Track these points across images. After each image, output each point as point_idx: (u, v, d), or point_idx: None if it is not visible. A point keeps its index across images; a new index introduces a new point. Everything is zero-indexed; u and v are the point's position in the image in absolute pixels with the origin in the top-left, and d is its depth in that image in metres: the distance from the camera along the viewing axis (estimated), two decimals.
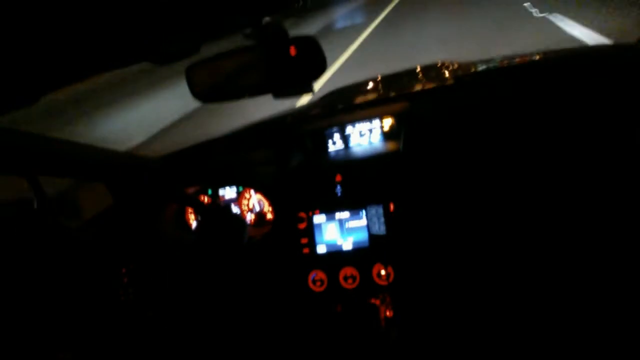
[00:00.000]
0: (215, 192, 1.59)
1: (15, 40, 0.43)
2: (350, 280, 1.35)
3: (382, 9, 14.52)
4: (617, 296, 1.20)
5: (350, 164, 1.43)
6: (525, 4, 8.56)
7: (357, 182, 1.39)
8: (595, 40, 5.25)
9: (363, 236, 1.36)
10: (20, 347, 1.14)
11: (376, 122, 1.48)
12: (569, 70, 1.41)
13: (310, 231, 1.40)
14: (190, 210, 1.62)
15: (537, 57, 1.59)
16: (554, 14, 7.19)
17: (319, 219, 1.40)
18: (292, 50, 0.83)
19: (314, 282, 1.38)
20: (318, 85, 0.92)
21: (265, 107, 2.12)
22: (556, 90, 1.34)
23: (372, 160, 1.41)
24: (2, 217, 1.29)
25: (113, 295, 1.32)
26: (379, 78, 2.01)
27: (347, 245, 1.37)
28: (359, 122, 1.49)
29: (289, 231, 1.41)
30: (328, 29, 13.64)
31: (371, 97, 1.72)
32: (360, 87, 2.00)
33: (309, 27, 12.42)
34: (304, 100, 3.96)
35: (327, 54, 0.86)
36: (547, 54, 1.62)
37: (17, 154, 1.16)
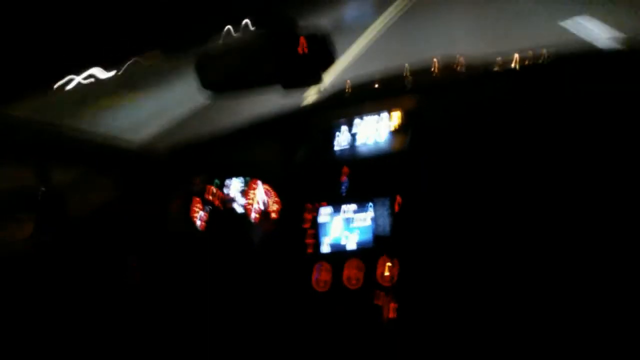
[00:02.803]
0: (222, 183, 1.59)
1: (29, 30, 0.43)
2: (353, 281, 1.34)
3: None
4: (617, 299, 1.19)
5: (357, 158, 1.43)
6: None
7: (363, 177, 1.38)
8: None
9: (368, 234, 1.34)
10: (25, 332, 1.15)
11: (384, 117, 1.47)
12: (585, 71, 1.39)
13: (316, 225, 1.40)
14: (196, 204, 1.62)
15: (548, 56, 1.58)
16: None
17: (324, 212, 1.39)
18: (302, 43, 0.83)
19: (317, 281, 1.37)
20: (327, 77, 0.92)
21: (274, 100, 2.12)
22: (570, 90, 1.32)
23: (379, 155, 1.40)
24: (10, 207, 1.30)
25: (119, 279, 1.33)
26: (388, 72, 2.00)
27: (351, 243, 1.36)
28: (366, 116, 1.48)
29: (295, 224, 1.41)
30: (339, 20, 13.55)
31: (379, 91, 1.71)
32: (368, 82, 1.99)
33: (319, 19, 12.34)
34: (313, 92, 3.96)
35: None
36: (562, 53, 1.60)
37: (26, 142, 1.17)
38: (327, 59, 0.84)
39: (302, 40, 0.81)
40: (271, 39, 0.85)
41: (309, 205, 1.40)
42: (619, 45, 1.44)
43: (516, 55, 1.64)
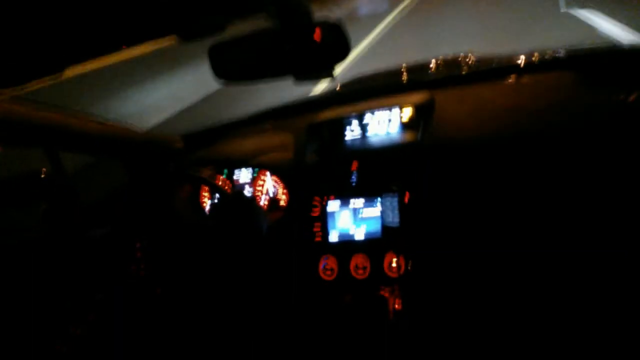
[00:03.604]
0: (231, 173, 1.59)
1: (43, 9, 0.43)
2: (360, 271, 1.34)
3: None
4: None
5: (367, 152, 1.42)
6: None
7: (373, 171, 1.37)
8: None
9: (376, 226, 1.35)
10: (32, 321, 1.16)
11: (395, 112, 1.46)
12: (593, 69, 1.37)
13: (324, 218, 1.40)
14: (204, 192, 1.62)
15: (560, 54, 1.56)
16: None
17: (332, 205, 1.39)
18: (317, 34, 0.82)
19: (324, 270, 1.38)
20: (339, 70, 0.92)
21: (284, 92, 2.11)
22: (578, 89, 1.31)
23: (389, 150, 1.40)
24: (21, 192, 1.31)
25: (125, 269, 1.34)
26: (400, 67, 1.99)
27: (359, 234, 1.36)
28: (377, 111, 1.47)
29: (303, 216, 1.41)
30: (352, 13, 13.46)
31: (391, 86, 1.70)
32: (380, 76, 1.98)
33: (333, 11, 12.24)
34: (324, 85, 3.94)
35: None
36: (571, 51, 1.58)
37: (38, 127, 1.17)
38: (342, 51, 0.83)
39: (317, 30, 0.81)
40: (286, 29, 0.85)
41: (318, 199, 1.40)
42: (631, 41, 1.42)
43: (528, 52, 1.63)
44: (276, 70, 0.91)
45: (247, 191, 1.56)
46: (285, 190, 1.50)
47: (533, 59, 1.56)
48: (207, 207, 1.60)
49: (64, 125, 1.26)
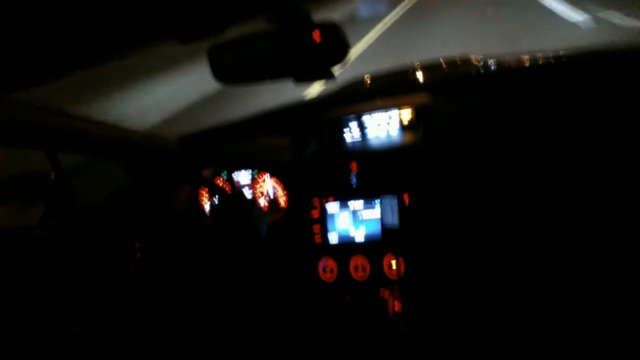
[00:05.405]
0: (230, 175, 1.59)
1: (42, 15, 0.43)
2: (360, 272, 1.35)
3: None
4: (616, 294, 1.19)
5: (366, 153, 1.42)
6: None
7: (372, 172, 1.38)
8: None
9: (376, 227, 1.35)
10: (32, 321, 1.16)
11: (394, 113, 1.46)
12: (593, 70, 1.38)
13: (323, 219, 1.40)
14: (204, 193, 1.62)
15: (561, 56, 1.56)
16: None
17: (332, 207, 1.40)
18: (316, 35, 0.82)
19: (324, 270, 1.38)
20: (337, 71, 0.92)
21: (283, 93, 2.11)
22: (578, 90, 1.31)
23: (388, 151, 1.40)
24: (20, 194, 1.31)
25: (124, 269, 1.34)
26: (399, 68, 1.99)
27: (359, 235, 1.37)
28: (377, 112, 1.48)
29: (302, 218, 1.41)
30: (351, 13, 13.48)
31: (391, 87, 1.70)
32: (379, 77, 1.98)
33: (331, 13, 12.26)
34: (323, 86, 3.94)
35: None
36: (573, 52, 1.58)
37: (37, 129, 1.17)
38: (341, 52, 0.84)
39: (316, 31, 0.81)
40: (285, 30, 0.85)
41: (317, 200, 1.40)
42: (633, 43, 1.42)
43: (528, 55, 1.63)
44: (275, 71, 0.92)
45: (247, 193, 1.56)
46: (284, 192, 1.50)
47: (533, 61, 1.57)
48: (207, 208, 1.60)
49: (62, 127, 1.26)
